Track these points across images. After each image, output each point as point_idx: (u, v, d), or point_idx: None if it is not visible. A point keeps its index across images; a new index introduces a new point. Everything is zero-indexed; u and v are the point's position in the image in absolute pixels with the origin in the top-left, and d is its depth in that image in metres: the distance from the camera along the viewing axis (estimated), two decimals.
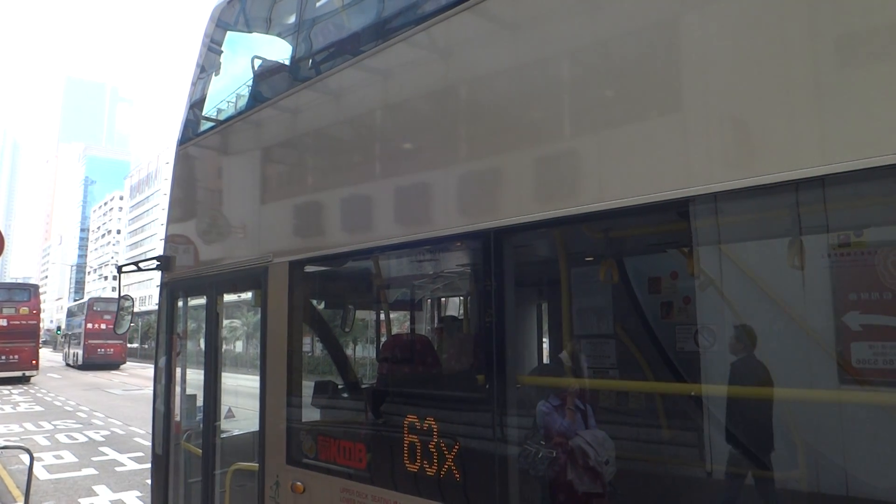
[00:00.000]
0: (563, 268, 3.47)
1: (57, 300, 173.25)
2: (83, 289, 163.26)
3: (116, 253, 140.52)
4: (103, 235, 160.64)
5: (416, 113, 3.79)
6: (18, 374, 29.30)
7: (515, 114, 3.19)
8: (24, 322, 29.67)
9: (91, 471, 11.55)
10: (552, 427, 3.05)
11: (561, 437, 2.99)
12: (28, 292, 31.66)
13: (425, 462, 3.27)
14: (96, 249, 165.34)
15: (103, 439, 14.89)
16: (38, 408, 20.95)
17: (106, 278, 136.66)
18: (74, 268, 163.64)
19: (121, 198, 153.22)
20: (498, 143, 3.23)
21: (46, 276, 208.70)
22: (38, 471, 10.94)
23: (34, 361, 30.03)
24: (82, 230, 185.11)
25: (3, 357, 28.72)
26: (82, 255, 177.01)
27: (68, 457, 12.79)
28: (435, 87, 3.67)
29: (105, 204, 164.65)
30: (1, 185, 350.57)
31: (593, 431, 3.14)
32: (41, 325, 31.98)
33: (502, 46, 3.30)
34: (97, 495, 9.95)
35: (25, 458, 8.03)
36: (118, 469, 11.72)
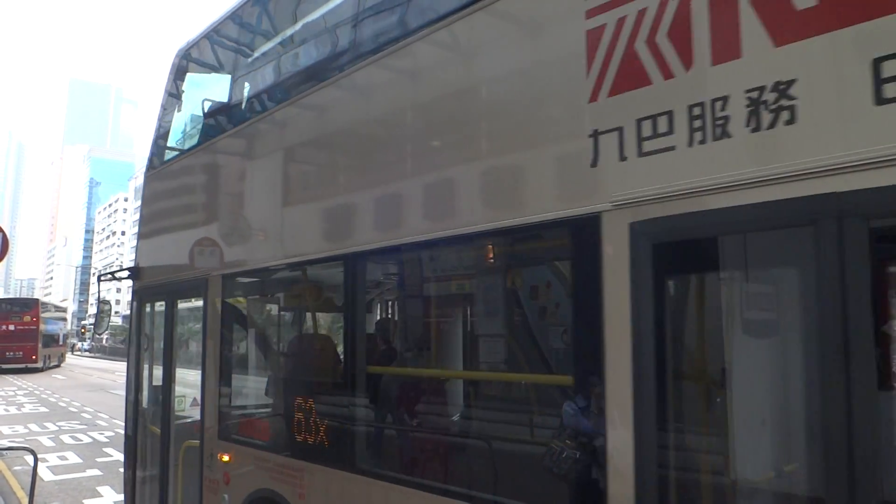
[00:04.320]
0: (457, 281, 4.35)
1: (62, 301, 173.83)
2: (88, 290, 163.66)
3: (121, 254, 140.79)
4: (108, 237, 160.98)
5: (315, 156, 4.89)
6: (22, 366, 38.50)
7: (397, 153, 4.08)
8: (27, 328, 39.21)
9: (95, 472, 11.53)
10: (579, 428, 3.01)
11: (585, 438, 2.95)
12: (30, 305, 42.76)
13: (307, 434, 4.33)
14: (101, 251, 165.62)
15: (108, 440, 14.89)
16: (42, 409, 20.95)
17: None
18: (79, 269, 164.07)
19: (125, 199, 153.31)
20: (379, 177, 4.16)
21: (51, 278, 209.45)
22: (43, 472, 10.89)
23: (34, 357, 39.43)
24: (87, 231, 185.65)
25: (11, 353, 37.92)
26: (87, 257, 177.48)
27: (73, 458, 12.76)
28: (325, 138, 4.74)
29: (110, 205, 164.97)
30: (6, 186, 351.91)
31: None
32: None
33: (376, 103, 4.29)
34: (101, 496, 9.93)
35: (30, 459, 8.02)
36: (122, 470, 11.70)
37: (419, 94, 3.93)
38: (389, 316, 5.57)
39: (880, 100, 1.98)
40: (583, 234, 2.75)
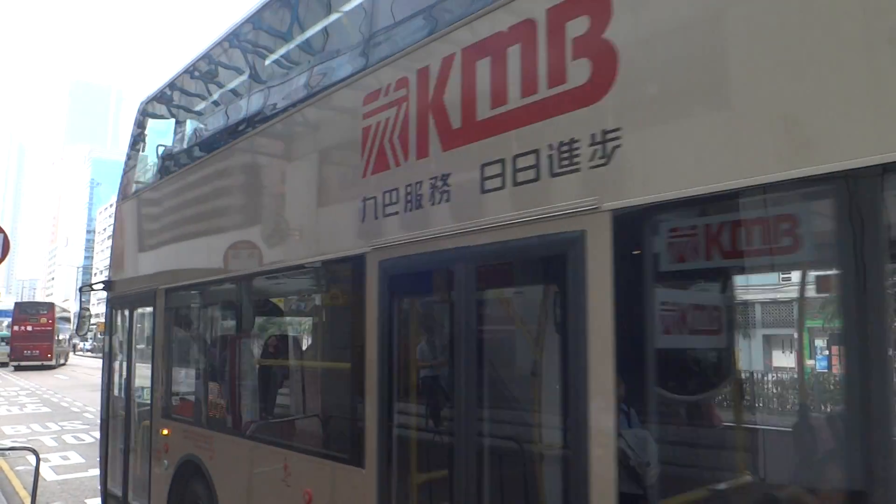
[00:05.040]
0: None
1: (63, 301, 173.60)
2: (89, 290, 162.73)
3: None
4: (109, 237, 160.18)
5: (210, 207, 6.50)
6: (38, 363, 42.40)
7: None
8: (43, 329, 43.76)
9: (98, 472, 11.54)
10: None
11: (622, 440, 3.01)
12: (46, 308, 47.51)
13: (215, 411, 6.00)
14: (102, 251, 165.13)
15: None
16: (44, 409, 20.86)
17: None
18: (81, 269, 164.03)
19: None
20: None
21: (53, 278, 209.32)
22: (45, 472, 10.86)
23: (49, 355, 43.63)
24: (88, 232, 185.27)
25: (28, 352, 42.67)
26: (88, 257, 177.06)
27: (75, 458, 12.79)
28: (214, 194, 6.45)
29: (111, 205, 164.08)
30: (7, 187, 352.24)
31: (635, 432, 3.13)
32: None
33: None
34: None
35: (32, 459, 8.05)
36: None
37: (264, 166, 5.70)
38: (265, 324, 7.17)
39: (483, 190, 3.30)
40: (357, 267, 4.14)
